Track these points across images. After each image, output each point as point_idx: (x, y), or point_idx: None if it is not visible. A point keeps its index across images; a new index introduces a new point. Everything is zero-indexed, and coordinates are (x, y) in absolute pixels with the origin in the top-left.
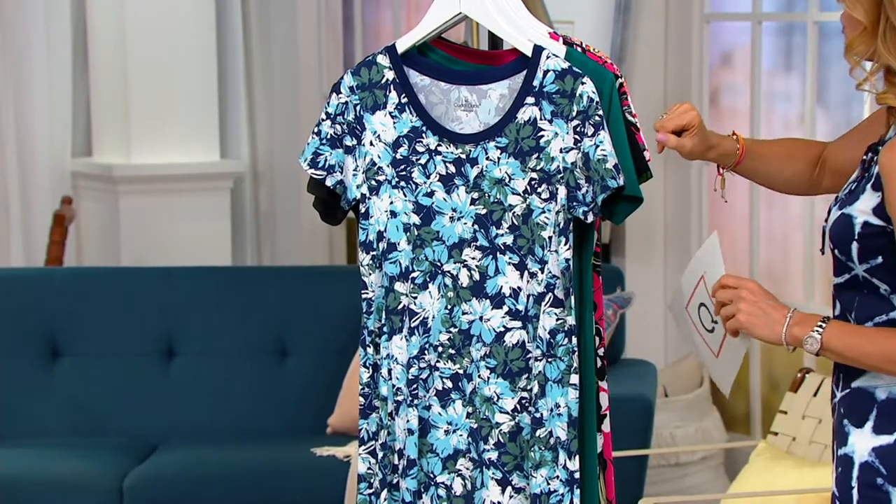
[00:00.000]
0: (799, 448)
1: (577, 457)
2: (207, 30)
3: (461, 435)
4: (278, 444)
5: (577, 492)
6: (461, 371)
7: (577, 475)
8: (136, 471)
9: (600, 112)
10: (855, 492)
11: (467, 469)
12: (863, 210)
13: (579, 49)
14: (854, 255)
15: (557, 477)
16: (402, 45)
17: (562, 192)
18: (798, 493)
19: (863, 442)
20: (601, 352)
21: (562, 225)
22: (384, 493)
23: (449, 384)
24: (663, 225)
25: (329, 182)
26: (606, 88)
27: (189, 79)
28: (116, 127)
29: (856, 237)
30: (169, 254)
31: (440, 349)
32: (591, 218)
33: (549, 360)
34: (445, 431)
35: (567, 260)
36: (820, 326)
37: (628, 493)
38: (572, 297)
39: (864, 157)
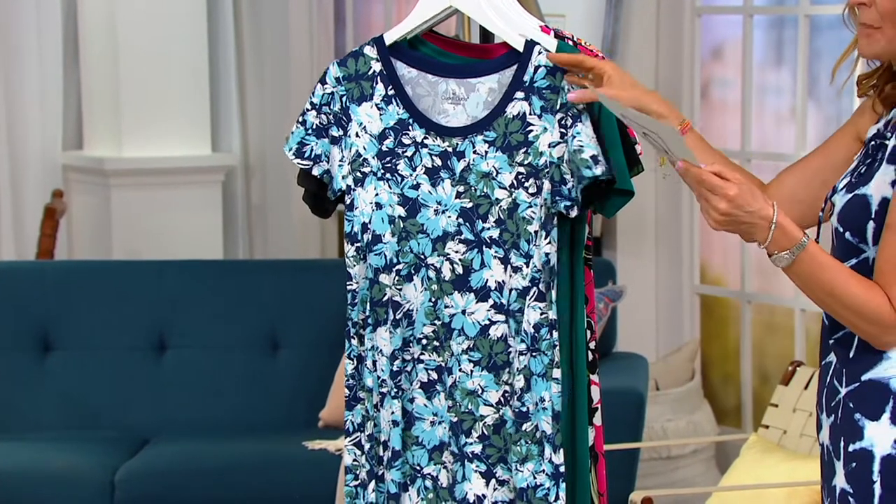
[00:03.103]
0: (790, 441)
1: (563, 450)
2: (199, 23)
3: (445, 427)
4: (270, 438)
5: (563, 485)
6: (444, 364)
7: (562, 468)
8: (127, 464)
9: (580, 105)
10: (877, 486)
11: (449, 461)
12: (879, 186)
13: (571, 43)
14: (869, 236)
15: (543, 471)
16: (390, 37)
17: (546, 186)
18: (789, 486)
19: (882, 435)
20: (592, 345)
21: (544, 219)
22: (371, 485)
23: (434, 376)
24: (655, 218)
25: (316, 171)
26: None
27: (180, 72)
28: (108, 120)
29: (872, 216)
30: (160, 247)
31: (424, 341)
32: (573, 213)
33: (534, 354)
34: (431, 423)
35: (547, 254)
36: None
37: (620, 487)
38: (553, 291)
39: (872, 142)
